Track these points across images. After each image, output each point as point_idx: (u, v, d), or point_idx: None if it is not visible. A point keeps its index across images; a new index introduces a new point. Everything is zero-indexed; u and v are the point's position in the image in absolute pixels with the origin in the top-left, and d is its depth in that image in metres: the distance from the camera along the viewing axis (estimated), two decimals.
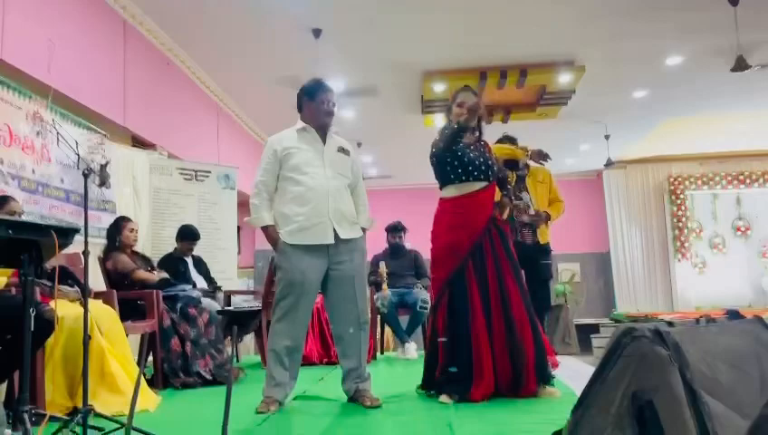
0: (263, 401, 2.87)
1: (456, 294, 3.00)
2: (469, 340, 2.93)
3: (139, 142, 5.38)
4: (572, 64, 6.38)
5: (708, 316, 1.82)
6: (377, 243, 5.63)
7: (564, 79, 6.55)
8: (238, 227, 6.31)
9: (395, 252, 5.73)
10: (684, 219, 10.65)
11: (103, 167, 4.24)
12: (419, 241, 6.14)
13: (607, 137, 8.68)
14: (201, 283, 4.74)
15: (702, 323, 1.79)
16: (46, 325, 2.44)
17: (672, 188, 10.72)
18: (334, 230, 2.93)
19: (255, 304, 5.26)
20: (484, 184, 3.13)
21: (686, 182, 10.69)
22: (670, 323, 1.71)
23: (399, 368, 4.76)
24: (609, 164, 9.16)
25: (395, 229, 5.78)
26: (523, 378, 2.91)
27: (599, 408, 1.60)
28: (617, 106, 7.73)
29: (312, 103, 3.08)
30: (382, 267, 5.48)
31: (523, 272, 3.20)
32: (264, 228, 3.02)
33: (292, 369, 2.97)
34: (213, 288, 4.82)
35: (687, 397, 1.51)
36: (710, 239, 10.73)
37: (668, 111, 7.99)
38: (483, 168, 3.12)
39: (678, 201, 10.68)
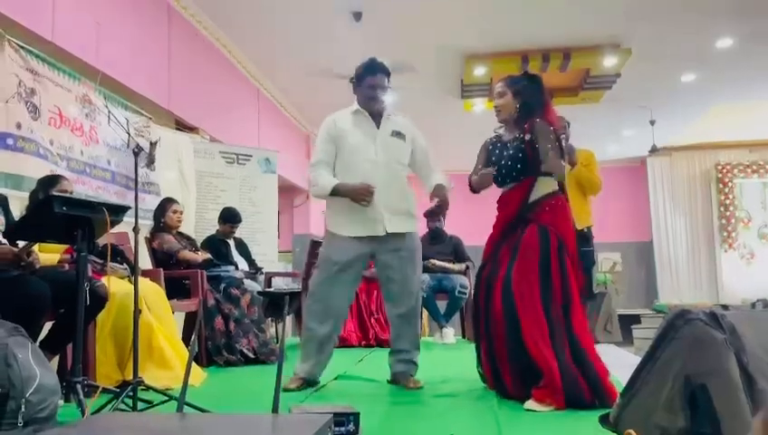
0: (291, 378, 2.90)
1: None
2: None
3: (181, 126, 5.46)
4: (618, 47, 6.20)
5: (765, 301, 1.77)
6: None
7: (609, 62, 6.37)
8: (278, 212, 6.37)
9: (434, 236, 5.70)
10: (731, 208, 10.33)
11: (153, 145, 4.30)
12: (454, 226, 6.12)
13: (652, 122, 8.43)
14: (243, 264, 4.81)
15: (758, 308, 1.74)
16: (99, 300, 2.52)
17: (719, 175, 10.39)
18: (384, 225, 2.92)
19: (295, 286, 5.32)
20: (510, 186, 2.80)
21: (735, 170, 10.35)
22: (725, 307, 1.67)
23: (438, 352, 4.76)
24: (653, 151, 8.91)
25: (432, 213, 5.73)
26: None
27: (649, 390, 1.57)
28: (663, 90, 7.49)
29: (359, 87, 3.07)
30: (434, 264, 5.43)
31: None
32: (335, 193, 2.90)
33: (325, 349, 2.98)
34: (254, 270, 4.89)
35: (743, 382, 1.47)
36: (759, 229, 10.38)
37: (717, 96, 7.71)
38: (504, 170, 2.76)
39: (726, 189, 10.35)
